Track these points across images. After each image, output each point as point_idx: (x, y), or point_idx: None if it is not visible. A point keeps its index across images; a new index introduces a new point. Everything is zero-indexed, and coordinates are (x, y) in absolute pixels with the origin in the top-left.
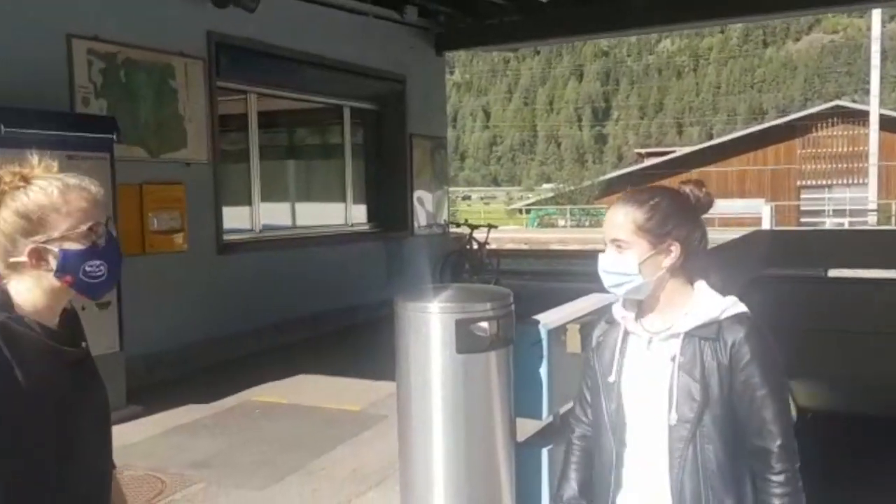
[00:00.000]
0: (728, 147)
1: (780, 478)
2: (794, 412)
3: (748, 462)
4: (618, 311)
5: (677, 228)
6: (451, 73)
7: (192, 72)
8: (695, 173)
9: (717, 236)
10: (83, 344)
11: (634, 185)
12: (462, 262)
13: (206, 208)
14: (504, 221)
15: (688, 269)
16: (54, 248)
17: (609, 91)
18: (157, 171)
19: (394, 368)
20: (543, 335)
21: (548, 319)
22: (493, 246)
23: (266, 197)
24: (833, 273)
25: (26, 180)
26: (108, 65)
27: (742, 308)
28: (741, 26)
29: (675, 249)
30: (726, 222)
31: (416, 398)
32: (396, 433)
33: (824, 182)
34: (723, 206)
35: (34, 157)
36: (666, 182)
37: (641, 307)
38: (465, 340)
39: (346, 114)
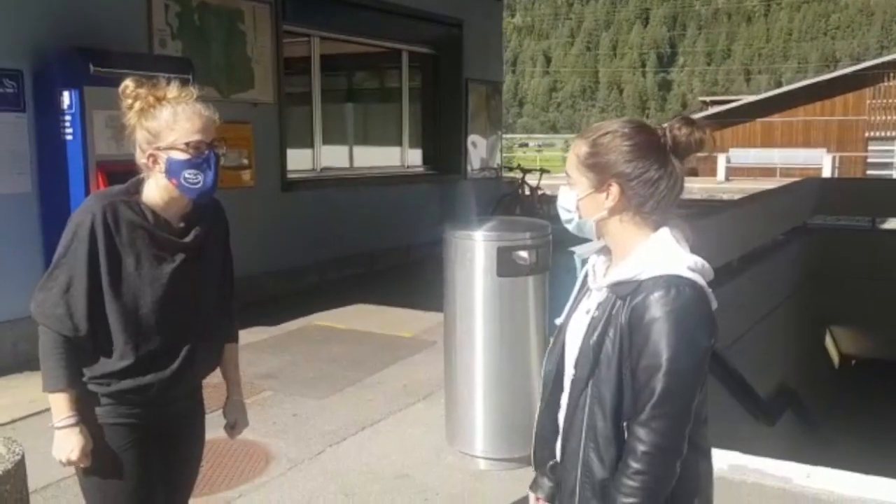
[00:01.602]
0: (794, 96)
1: (636, 455)
2: (836, 359)
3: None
4: (598, 252)
5: (620, 166)
6: (512, 16)
7: (260, 15)
8: (759, 123)
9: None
10: (189, 238)
11: None
12: (513, 206)
13: (271, 147)
14: (559, 169)
15: (646, 214)
16: (163, 154)
17: (675, 36)
18: (227, 111)
19: (443, 302)
20: (578, 263)
21: (582, 250)
22: (545, 192)
23: (327, 138)
24: (888, 225)
25: (159, 101)
26: (183, 8)
27: (675, 270)
28: None
29: (614, 191)
30: (788, 173)
31: (461, 317)
32: (444, 357)
33: (893, 134)
34: (784, 157)
35: (175, 83)
36: (727, 131)
37: (611, 252)
38: (506, 266)
39: (405, 58)
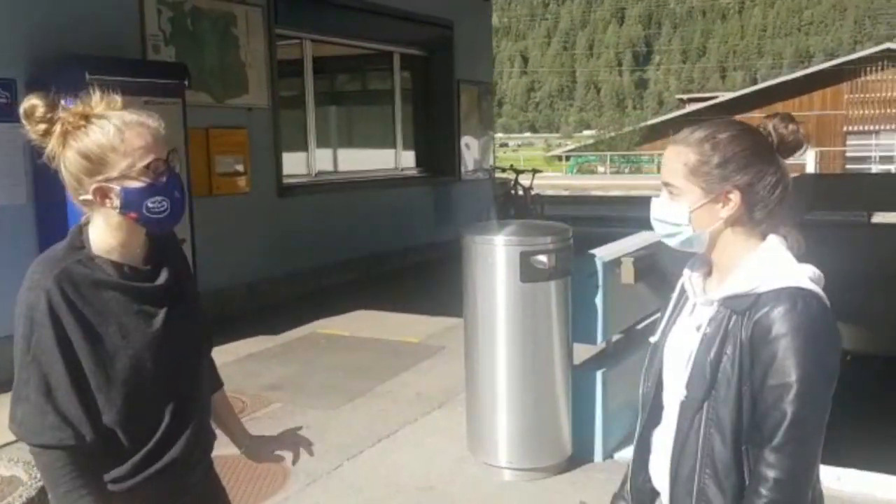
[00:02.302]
0: (773, 92)
1: (769, 483)
2: None
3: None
4: (688, 265)
5: (739, 173)
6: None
7: (253, 19)
8: (738, 119)
9: None
10: (163, 279)
11: (676, 131)
12: (508, 207)
13: (266, 152)
14: (543, 168)
15: (757, 222)
16: (116, 186)
17: (651, 35)
18: (222, 117)
19: (447, 305)
20: (599, 267)
21: (603, 253)
22: (537, 192)
23: (321, 142)
24: (877, 219)
25: (86, 119)
26: (176, 13)
27: (798, 282)
28: None
29: (735, 198)
30: None
31: (483, 323)
32: (454, 362)
33: (871, 128)
34: None
35: (96, 94)
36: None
37: (712, 264)
38: (529, 271)
39: (396, 60)
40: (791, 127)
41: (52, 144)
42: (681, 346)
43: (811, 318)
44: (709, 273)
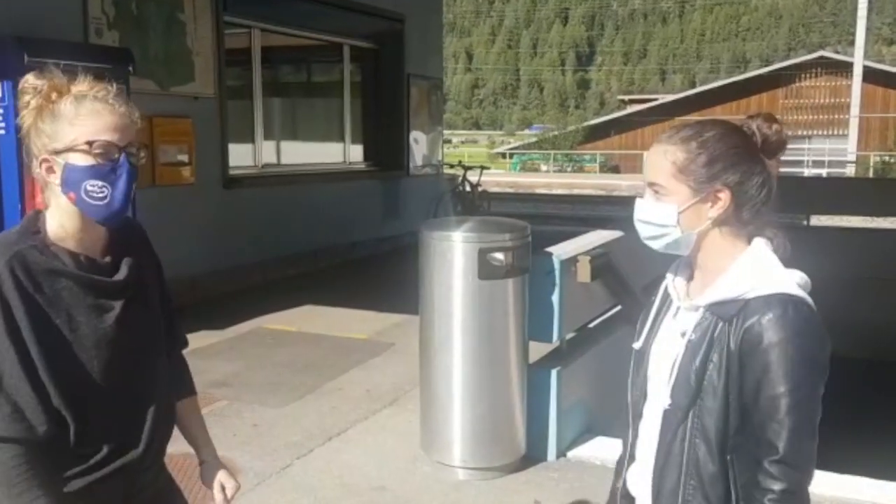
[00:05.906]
0: (711, 95)
1: (775, 495)
2: None
3: (741, 467)
4: (671, 268)
5: (728, 172)
6: None
7: (200, 5)
8: (677, 121)
9: None
10: (123, 274)
11: (619, 132)
12: (455, 203)
13: (212, 142)
14: (487, 165)
15: (744, 223)
16: (60, 160)
17: (594, 36)
18: (167, 105)
19: (395, 301)
20: (556, 265)
21: (560, 251)
22: (485, 188)
23: (268, 133)
24: (815, 221)
25: (60, 95)
26: None
27: (786, 289)
28: None
29: (724, 197)
30: None
31: (439, 320)
32: (404, 359)
33: (805, 133)
34: None
35: (83, 75)
36: (647, 129)
37: (696, 266)
38: (487, 268)
39: (346, 52)
40: (775, 127)
41: (24, 116)
42: (665, 352)
43: (802, 325)
44: (692, 276)
